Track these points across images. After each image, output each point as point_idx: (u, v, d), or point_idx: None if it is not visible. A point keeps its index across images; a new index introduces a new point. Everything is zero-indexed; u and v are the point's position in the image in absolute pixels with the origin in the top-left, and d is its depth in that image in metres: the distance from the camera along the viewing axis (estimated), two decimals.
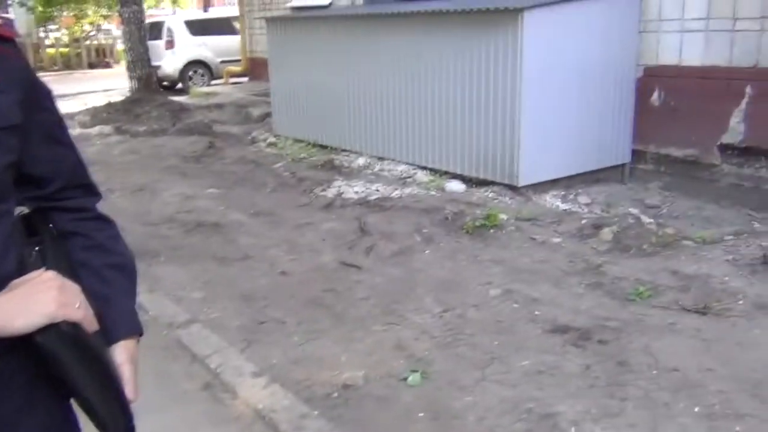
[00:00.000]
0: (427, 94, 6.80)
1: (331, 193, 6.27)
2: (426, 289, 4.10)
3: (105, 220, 1.31)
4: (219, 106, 11.30)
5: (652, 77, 6.64)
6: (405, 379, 3.14)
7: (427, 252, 4.71)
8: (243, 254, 4.83)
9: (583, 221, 5.28)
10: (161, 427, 2.81)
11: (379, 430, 2.79)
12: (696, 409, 2.77)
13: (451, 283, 4.18)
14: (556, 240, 4.91)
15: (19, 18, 23.07)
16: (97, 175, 1.32)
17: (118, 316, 1.22)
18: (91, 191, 1.31)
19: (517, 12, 5.81)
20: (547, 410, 2.82)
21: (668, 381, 2.98)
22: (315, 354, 3.42)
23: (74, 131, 8.84)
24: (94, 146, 8.38)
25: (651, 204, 6.18)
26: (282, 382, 3.17)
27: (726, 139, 6.19)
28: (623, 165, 6.90)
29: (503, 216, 5.27)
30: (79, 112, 10.90)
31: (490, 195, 6.08)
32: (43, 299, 1.02)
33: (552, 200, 6.13)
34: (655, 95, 6.66)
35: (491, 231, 5.00)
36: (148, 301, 4.01)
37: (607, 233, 4.88)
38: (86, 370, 1.09)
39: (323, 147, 8.21)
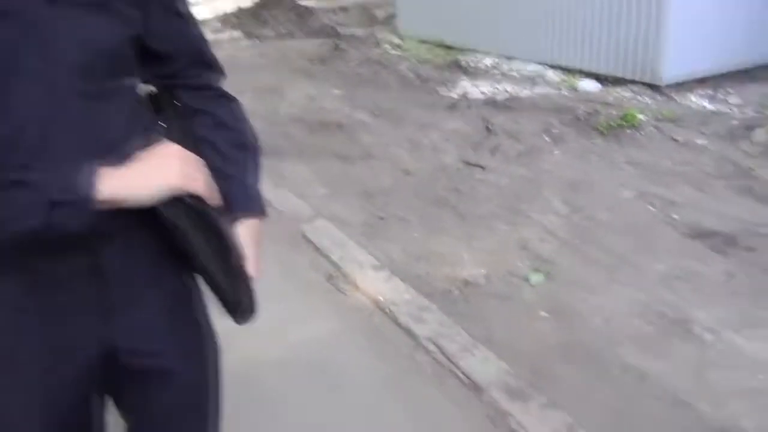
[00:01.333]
0: None
1: (456, 93, 6.08)
2: (553, 190, 3.92)
3: (229, 99, 1.27)
4: (343, 9, 11.16)
5: None
6: (528, 278, 3.04)
7: (555, 152, 4.48)
8: (366, 153, 4.81)
9: (734, 122, 4.80)
10: (287, 313, 2.91)
11: (500, 327, 2.73)
12: None
13: (581, 185, 3.96)
14: (702, 142, 4.50)
15: None
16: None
17: (241, 194, 1.19)
18: (215, 69, 1.26)
19: None
20: (681, 315, 2.64)
21: None
22: (436, 251, 3.38)
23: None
24: (224, 51, 8.54)
25: None
26: (402, 276, 3.17)
27: None
28: None
29: (642, 116, 4.89)
30: (211, 19, 11.16)
31: (628, 95, 5.64)
32: (166, 171, 1.01)
33: (698, 100, 5.60)
34: None
35: (628, 131, 4.66)
36: (274, 196, 4.10)
37: (761, 134, 4.41)
38: (208, 243, 1.08)
39: (448, 48, 7.93)
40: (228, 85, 1.28)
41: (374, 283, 3.15)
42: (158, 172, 1.01)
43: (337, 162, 4.71)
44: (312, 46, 8.43)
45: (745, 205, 3.53)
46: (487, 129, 4.95)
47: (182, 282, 1.21)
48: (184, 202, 1.03)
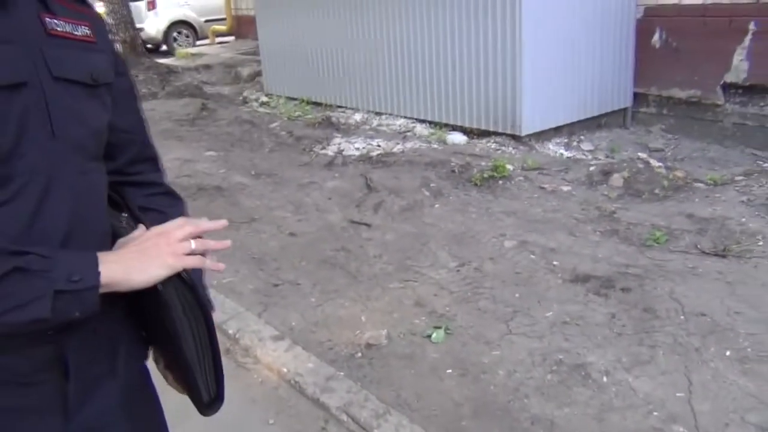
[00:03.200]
0: (423, 45, 6.63)
1: (331, 150, 6.16)
2: (439, 244, 4.05)
3: (175, 197, 1.30)
4: (207, 67, 11.05)
5: (652, 17, 6.50)
6: (429, 336, 3.10)
7: (436, 206, 4.64)
8: (249, 217, 4.73)
9: (591, 168, 5.22)
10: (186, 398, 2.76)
11: (408, 388, 2.75)
12: (727, 353, 2.75)
13: (465, 237, 4.13)
14: (566, 188, 4.85)
15: None
16: None
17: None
18: (158, 166, 1.29)
19: None
20: (577, 361, 2.79)
21: (696, 326, 2.95)
22: (334, 314, 3.37)
23: None
24: None
25: (654, 147, 6.11)
26: (304, 344, 3.12)
27: (729, 77, 6.09)
28: (625, 109, 6.80)
29: (510, 166, 5.20)
30: None
31: (493, 146, 5.98)
32: (161, 251, 1.01)
33: (555, 148, 6.05)
34: (656, 36, 6.53)
35: (500, 182, 4.93)
36: None
37: (617, 179, 4.82)
38: (190, 326, 1.08)
39: (317, 104, 8.05)
40: None
41: (276, 354, 3.08)
42: (154, 253, 1.01)
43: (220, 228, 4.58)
44: (178, 106, 8.25)
45: (614, 248, 3.82)
46: (368, 186, 5.04)
47: (138, 369, 1.20)
48: (180, 277, 1.04)
